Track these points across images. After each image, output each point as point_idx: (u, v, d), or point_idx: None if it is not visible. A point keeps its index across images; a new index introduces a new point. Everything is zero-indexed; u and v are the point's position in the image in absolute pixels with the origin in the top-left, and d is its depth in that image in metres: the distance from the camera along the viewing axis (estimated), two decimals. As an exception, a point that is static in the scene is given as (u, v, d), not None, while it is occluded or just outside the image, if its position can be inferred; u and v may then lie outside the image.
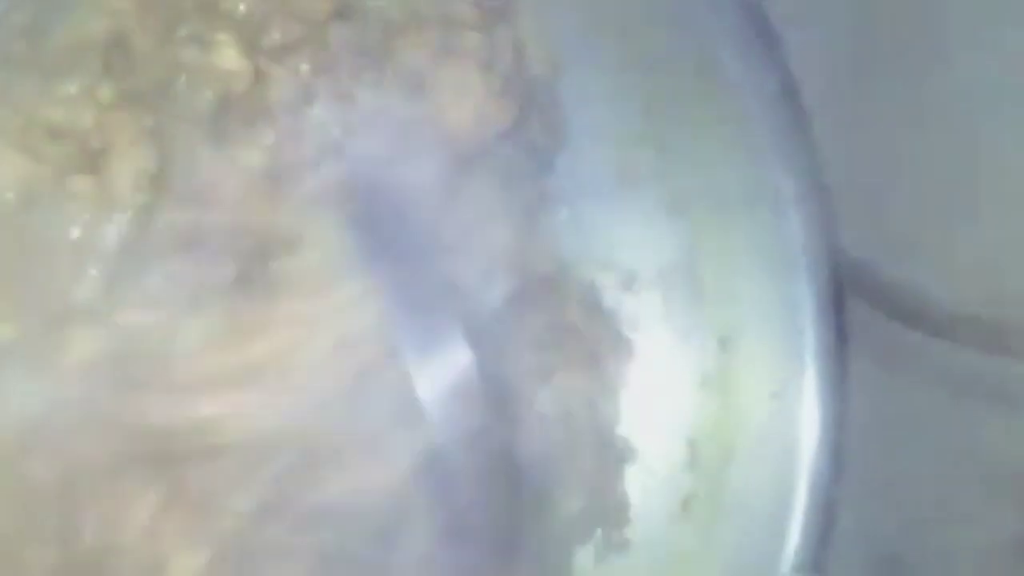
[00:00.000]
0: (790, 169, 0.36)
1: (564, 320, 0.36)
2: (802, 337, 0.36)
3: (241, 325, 0.26)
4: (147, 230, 0.25)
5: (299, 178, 0.28)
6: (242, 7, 0.28)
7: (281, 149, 0.27)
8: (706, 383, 0.37)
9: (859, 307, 0.38)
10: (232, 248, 0.26)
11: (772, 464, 0.36)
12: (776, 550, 0.35)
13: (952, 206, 0.42)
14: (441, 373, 0.30)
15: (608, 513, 0.36)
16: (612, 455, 0.36)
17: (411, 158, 0.29)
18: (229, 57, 0.27)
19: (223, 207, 0.26)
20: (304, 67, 0.29)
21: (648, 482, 0.37)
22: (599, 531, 0.36)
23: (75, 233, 0.26)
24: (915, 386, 0.43)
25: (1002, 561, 0.42)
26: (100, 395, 0.26)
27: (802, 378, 0.36)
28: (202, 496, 0.27)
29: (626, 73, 0.36)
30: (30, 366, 0.26)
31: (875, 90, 0.41)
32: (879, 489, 0.42)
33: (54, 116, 0.26)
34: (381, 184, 0.29)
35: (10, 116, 0.26)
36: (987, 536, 0.43)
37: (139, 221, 0.26)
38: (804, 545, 0.35)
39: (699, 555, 0.36)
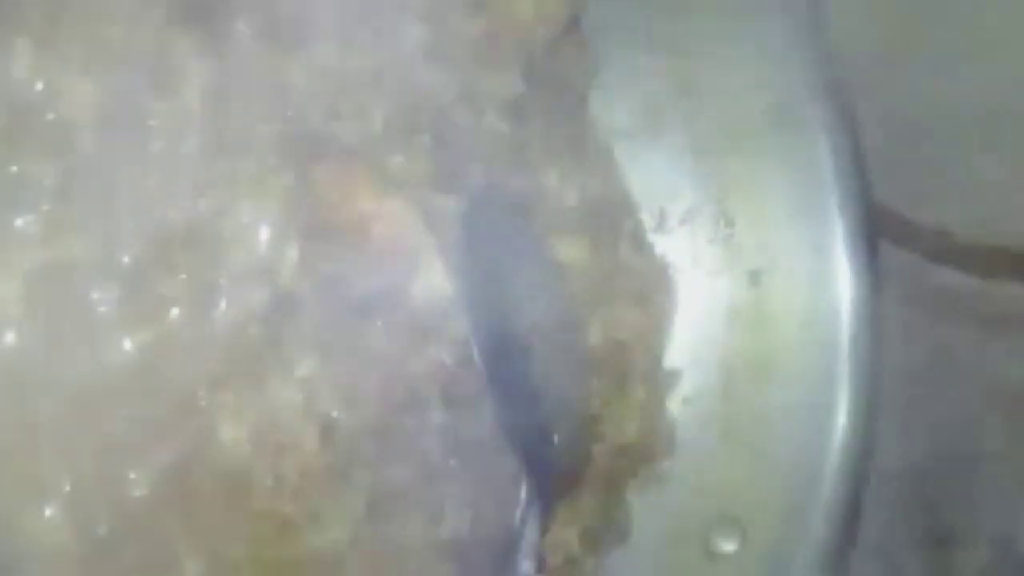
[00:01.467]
0: (818, 99, 0.36)
1: (616, 256, 0.37)
2: (835, 269, 0.36)
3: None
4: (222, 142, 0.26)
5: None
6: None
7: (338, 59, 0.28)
8: (738, 316, 0.38)
9: (888, 250, 0.39)
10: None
11: (808, 392, 0.36)
12: (815, 474, 0.36)
13: (977, 146, 0.43)
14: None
15: (656, 443, 0.37)
16: (660, 386, 0.37)
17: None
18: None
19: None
20: None
21: (687, 413, 0.38)
22: (645, 464, 0.37)
23: (154, 150, 0.27)
24: (939, 323, 0.43)
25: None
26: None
27: (835, 309, 0.36)
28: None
29: (650, 8, 0.36)
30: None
31: (901, 31, 0.42)
32: (909, 426, 0.43)
33: (114, 38, 0.27)
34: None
35: (69, 39, 0.26)
36: (1016, 466, 0.43)
37: (211, 135, 0.26)
38: (843, 468, 0.36)
39: (737, 481, 0.36)
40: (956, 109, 0.43)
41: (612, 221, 0.37)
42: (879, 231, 0.37)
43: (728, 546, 0.35)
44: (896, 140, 0.42)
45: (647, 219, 0.38)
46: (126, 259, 0.27)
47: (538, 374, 0.32)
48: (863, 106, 0.38)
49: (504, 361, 0.31)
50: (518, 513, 0.31)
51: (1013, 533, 0.43)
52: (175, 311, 0.28)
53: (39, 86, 0.28)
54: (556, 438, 0.32)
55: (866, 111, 0.38)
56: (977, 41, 0.41)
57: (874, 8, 0.40)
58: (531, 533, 0.30)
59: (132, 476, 0.27)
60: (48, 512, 0.27)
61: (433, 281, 0.29)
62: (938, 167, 0.42)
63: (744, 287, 0.38)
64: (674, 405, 0.38)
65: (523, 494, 0.31)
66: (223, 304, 0.28)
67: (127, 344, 0.27)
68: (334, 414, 0.29)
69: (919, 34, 0.40)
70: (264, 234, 0.28)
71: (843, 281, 0.36)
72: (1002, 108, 0.42)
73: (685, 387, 0.38)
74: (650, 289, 0.38)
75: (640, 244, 0.38)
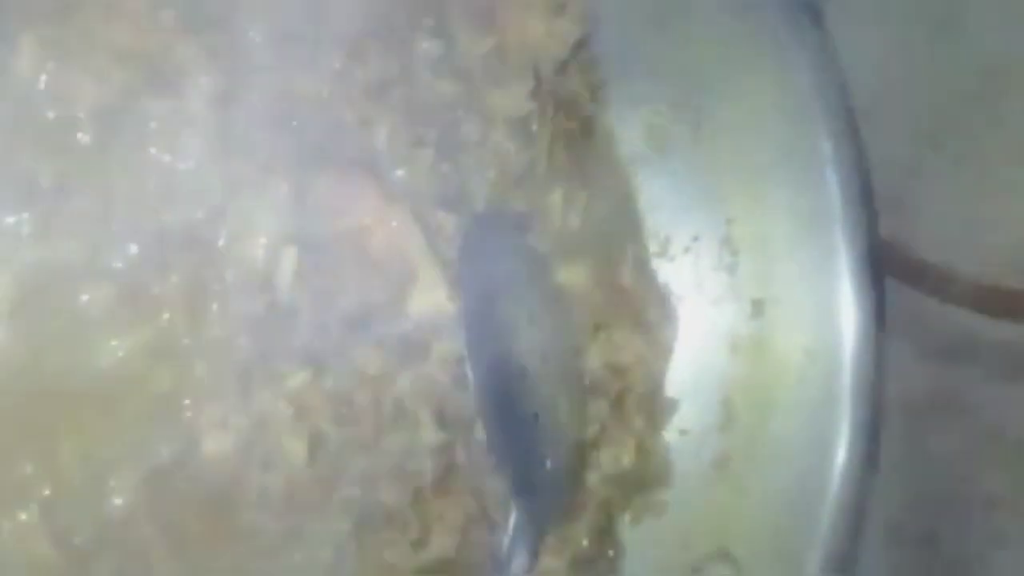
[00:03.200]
0: (829, 131, 0.35)
1: (617, 281, 0.36)
2: (838, 302, 0.36)
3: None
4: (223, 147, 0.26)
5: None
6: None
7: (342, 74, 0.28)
8: (739, 346, 0.37)
9: (893, 287, 0.38)
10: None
11: (807, 423, 0.35)
12: (812, 510, 0.35)
13: (980, 187, 0.42)
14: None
15: (651, 473, 0.36)
16: (658, 415, 0.36)
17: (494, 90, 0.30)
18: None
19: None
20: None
21: (683, 443, 0.37)
22: (640, 494, 0.36)
23: (154, 151, 0.26)
24: (945, 365, 0.43)
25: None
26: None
27: (838, 338, 0.35)
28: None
29: (663, 34, 0.36)
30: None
31: (909, 72, 0.41)
32: (909, 468, 0.42)
33: (119, 37, 0.26)
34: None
35: (76, 38, 0.26)
36: (1016, 516, 0.42)
37: (212, 140, 0.26)
38: (841, 506, 0.35)
39: (732, 515, 0.35)
40: (968, 149, 0.42)
41: (615, 245, 0.37)
42: (885, 267, 0.37)
43: (722, 584, 0.34)
44: (902, 175, 0.41)
45: (651, 245, 0.38)
46: (119, 263, 0.27)
47: (533, 397, 0.31)
48: (874, 142, 0.38)
49: (499, 382, 0.30)
50: (507, 540, 0.30)
51: (1013, 577, 0.42)
52: (166, 316, 0.27)
53: (42, 84, 0.28)
54: (549, 463, 0.31)
55: (878, 147, 0.38)
56: (991, 78, 0.41)
57: (888, 43, 0.40)
58: (519, 560, 0.29)
59: (112, 484, 0.26)
60: (24, 517, 0.26)
61: (431, 297, 0.29)
62: (947, 206, 0.42)
63: (747, 317, 0.37)
64: (671, 435, 0.37)
65: (512, 520, 0.30)
66: (215, 311, 0.27)
67: (116, 348, 0.26)
68: (323, 428, 0.29)
69: (936, 70, 0.40)
70: (261, 242, 0.27)
71: (847, 315, 0.35)
72: (1014, 148, 0.42)
73: (683, 417, 0.37)
74: (651, 316, 0.37)
75: (643, 269, 0.37)
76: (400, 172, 0.30)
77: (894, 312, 0.38)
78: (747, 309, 0.37)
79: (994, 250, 0.42)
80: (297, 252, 0.28)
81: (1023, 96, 0.41)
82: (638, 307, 0.37)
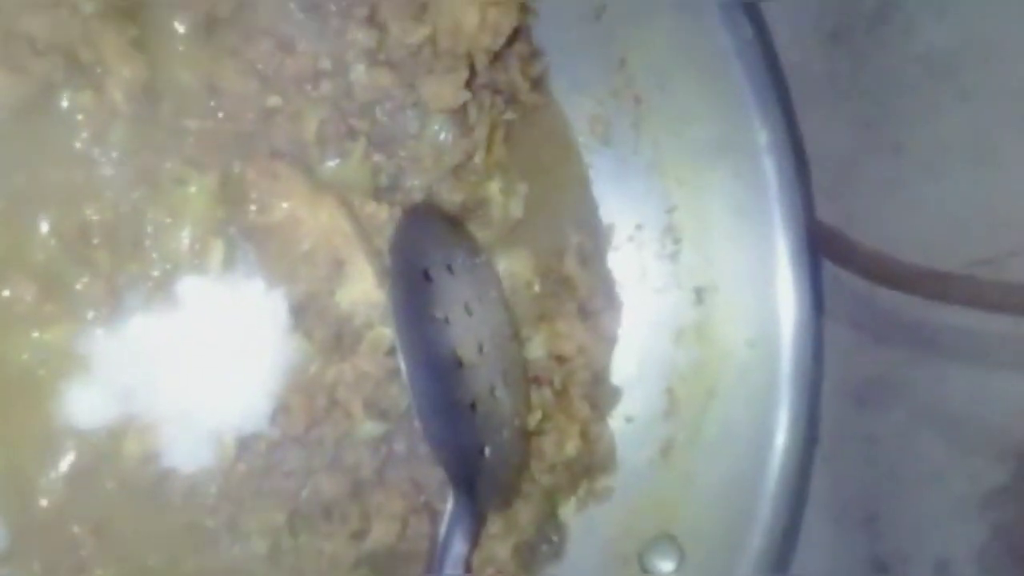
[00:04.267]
0: (766, 120, 0.35)
1: (561, 270, 0.35)
2: (776, 286, 0.36)
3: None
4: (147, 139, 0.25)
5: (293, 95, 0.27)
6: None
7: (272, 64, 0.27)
8: (683, 334, 0.37)
9: (829, 270, 0.38)
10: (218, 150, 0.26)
11: (749, 409, 0.35)
12: (754, 492, 0.35)
13: (915, 170, 0.42)
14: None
15: (596, 460, 0.36)
16: (603, 402, 0.36)
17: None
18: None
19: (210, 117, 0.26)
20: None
21: (628, 431, 0.37)
22: (584, 481, 0.36)
23: (78, 145, 0.25)
24: (882, 347, 0.43)
25: (972, 515, 0.42)
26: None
27: (777, 326, 0.35)
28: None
29: (600, 26, 0.36)
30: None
31: (847, 62, 0.41)
32: (852, 447, 0.42)
33: (36, 29, 0.26)
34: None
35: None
36: (956, 492, 0.42)
37: (136, 131, 0.25)
38: (782, 487, 0.35)
39: (678, 499, 0.35)
40: (899, 131, 0.42)
41: (558, 235, 0.36)
42: (822, 251, 0.37)
43: (666, 566, 0.34)
44: (840, 162, 0.41)
45: (594, 234, 0.38)
46: (41, 256, 0.26)
47: (470, 387, 0.31)
48: (809, 133, 0.38)
49: (433, 373, 0.30)
50: (443, 528, 0.30)
51: (951, 557, 0.42)
52: (90, 313, 0.26)
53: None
54: (488, 452, 0.31)
55: (812, 138, 0.38)
56: (925, 64, 0.41)
57: (821, 32, 0.39)
58: (458, 546, 0.29)
59: (40, 481, 0.25)
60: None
61: (360, 287, 0.28)
62: (881, 189, 0.42)
63: (689, 305, 0.37)
64: (616, 423, 0.37)
65: (449, 508, 0.30)
66: (139, 305, 0.26)
67: (37, 342, 0.25)
68: (253, 423, 0.28)
69: (865, 57, 0.40)
70: (186, 234, 0.27)
71: (785, 301, 0.35)
72: (945, 131, 0.42)
73: (628, 405, 0.37)
74: (595, 305, 0.37)
75: (587, 259, 0.37)
76: (331, 164, 0.29)
77: (832, 296, 0.38)
78: (690, 297, 0.37)
79: (929, 235, 0.42)
80: (223, 245, 0.27)
81: (958, 85, 0.41)
82: (582, 296, 0.36)
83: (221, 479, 0.27)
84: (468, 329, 0.31)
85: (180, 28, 0.27)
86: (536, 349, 0.35)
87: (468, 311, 0.32)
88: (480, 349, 0.32)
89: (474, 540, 0.30)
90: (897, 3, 0.41)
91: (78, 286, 0.26)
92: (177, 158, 0.27)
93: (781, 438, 0.35)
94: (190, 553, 0.27)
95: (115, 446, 0.26)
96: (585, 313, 0.36)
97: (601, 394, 0.36)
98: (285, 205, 0.27)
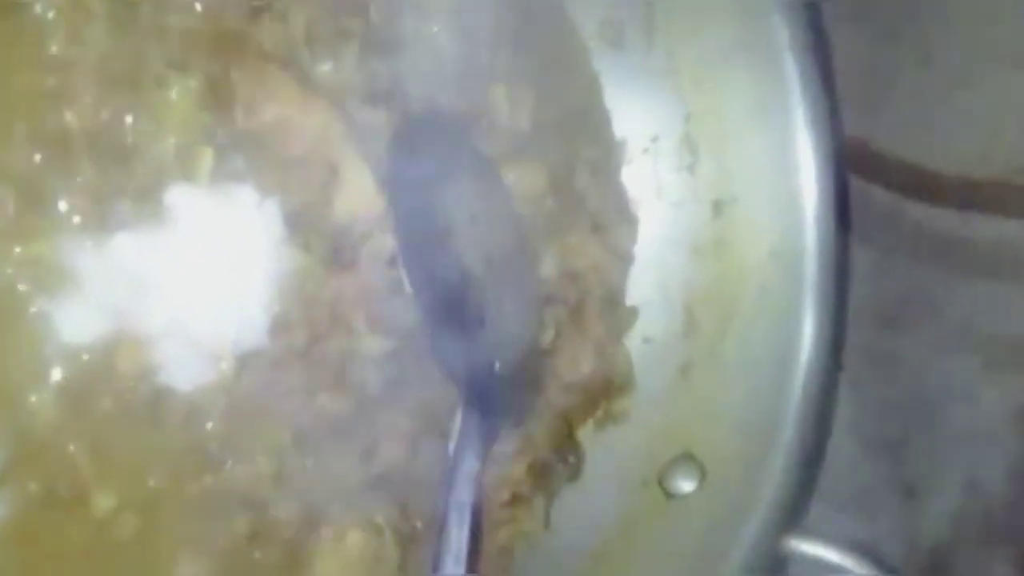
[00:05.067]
0: (789, 23, 0.33)
1: (572, 185, 0.34)
2: (800, 199, 0.34)
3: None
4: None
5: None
6: None
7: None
8: (701, 249, 0.35)
9: (857, 186, 0.36)
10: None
11: (771, 325, 0.34)
12: (777, 411, 0.33)
13: (944, 81, 0.40)
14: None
15: (613, 382, 0.34)
16: (618, 322, 0.34)
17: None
18: None
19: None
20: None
21: (646, 351, 0.35)
22: (601, 402, 0.35)
23: (53, 48, 0.24)
24: (911, 265, 0.41)
25: (1003, 433, 0.41)
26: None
27: (801, 237, 0.34)
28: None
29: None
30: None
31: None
32: (880, 370, 0.41)
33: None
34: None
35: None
36: (985, 410, 0.41)
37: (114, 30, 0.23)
38: (805, 407, 0.33)
39: (698, 420, 0.34)
40: (932, 42, 0.40)
41: (569, 147, 0.35)
42: (849, 165, 0.35)
43: (687, 486, 0.33)
44: (867, 74, 0.39)
45: (607, 145, 0.36)
46: (19, 165, 0.24)
47: (478, 301, 0.29)
48: (841, 40, 0.36)
49: (438, 286, 0.29)
50: (452, 445, 0.29)
51: (982, 477, 0.41)
52: (74, 225, 0.25)
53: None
54: (498, 367, 0.30)
55: (844, 45, 0.36)
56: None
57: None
58: (469, 463, 0.28)
59: (32, 399, 0.24)
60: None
61: (357, 195, 0.26)
62: (910, 100, 0.40)
63: (708, 219, 0.35)
64: (633, 343, 0.35)
65: (458, 424, 0.28)
66: (126, 217, 0.25)
67: (19, 258, 0.24)
68: (251, 340, 0.27)
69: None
70: (171, 142, 0.25)
71: (809, 212, 0.33)
72: (975, 42, 0.40)
73: (645, 325, 0.35)
74: (609, 220, 0.35)
75: (599, 172, 0.35)
76: (324, 67, 0.27)
77: (858, 213, 0.36)
78: (708, 211, 0.35)
79: (961, 146, 0.40)
80: (212, 152, 0.26)
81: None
82: (595, 211, 0.35)
83: (222, 397, 0.26)
84: (474, 240, 0.30)
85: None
86: (548, 266, 0.34)
87: (474, 222, 0.30)
88: (488, 262, 0.30)
89: (485, 457, 0.29)
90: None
91: (60, 197, 0.25)
92: (158, 60, 0.25)
93: (805, 354, 0.33)
94: (193, 475, 0.26)
95: (107, 363, 0.25)
96: (598, 229, 0.35)
97: (617, 313, 0.35)
98: (274, 109, 0.26)
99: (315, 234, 0.27)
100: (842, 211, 0.34)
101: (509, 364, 0.30)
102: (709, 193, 0.35)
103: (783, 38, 0.33)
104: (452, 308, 0.29)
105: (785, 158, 0.34)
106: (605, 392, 0.35)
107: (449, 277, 0.29)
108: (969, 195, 0.39)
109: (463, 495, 0.27)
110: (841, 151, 0.34)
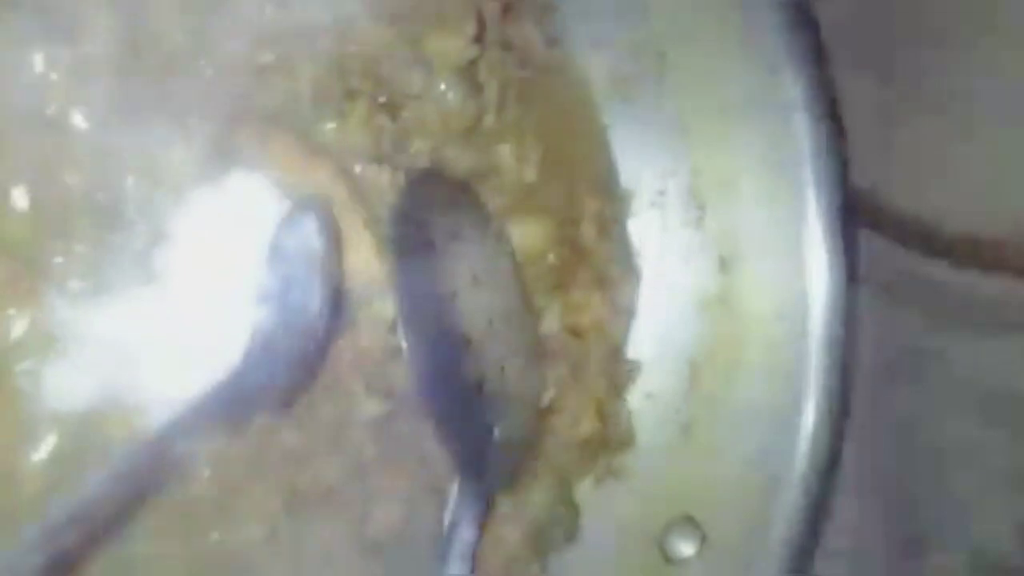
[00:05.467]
0: (799, 76, 0.33)
1: (577, 239, 0.33)
2: (808, 255, 0.33)
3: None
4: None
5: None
6: None
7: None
8: (706, 305, 0.35)
9: (864, 236, 0.36)
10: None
11: (775, 386, 0.33)
12: (780, 474, 0.33)
13: (956, 133, 0.40)
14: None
15: (613, 439, 0.34)
16: (620, 378, 0.34)
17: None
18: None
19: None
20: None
21: (648, 407, 0.35)
22: (600, 460, 0.34)
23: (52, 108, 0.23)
24: (916, 318, 0.41)
25: (1010, 492, 0.40)
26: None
27: (807, 297, 0.33)
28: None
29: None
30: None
31: (885, 18, 0.39)
32: (884, 424, 0.40)
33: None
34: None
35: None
36: (993, 468, 0.41)
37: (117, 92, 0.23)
38: (810, 470, 0.33)
39: (699, 479, 0.34)
40: (941, 96, 0.40)
41: (575, 201, 0.34)
42: (857, 218, 0.34)
43: (687, 550, 0.33)
44: (879, 126, 0.39)
45: (614, 199, 0.35)
46: (15, 228, 0.24)
47: (477, 364, 0.29)
48: (847, 89, 0.36)
49: (438, 349, 0.28)
50: (449, 513, 0.28)
51: (988, 536, 0.40)
52: (70, 288, 0.24)
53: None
54: (497, 433, 0.29)
55: (850, 94, 0.36)
56: (967, 24, 0.38)
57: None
58: (465, 533, 0.27)
59: (22, 466, 0.24)
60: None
61: (359, 260, 0.26)
62: (919, 151, 0.40)
63: (713, 274, 0.35)
64: (635, 399, 0.35)
65: (456, 491, 0.28)
66: (122, 280, 0.24)
67: (13, 322, 0.24)
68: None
69: (907, 16, 0.37)
70: (172, 203, 0.25)
71: (817, 270, 0.33)
72: (986, 96, 0.39)
73: (647, 380, 0.35)
74: (613, 275, 0.35)
75: (605, 226, 0.35)
76: (330, 125, 0.27)
77: (866, 262, 0.35)
78: (714, 267, 0.35)
79: (970, 196, 0.40)
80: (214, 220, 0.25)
81: (1001, 37, 0.39)
82: (600, 266, 0.34)
83: (213, 462, 0.26)
84: (476, 303, 0.29)
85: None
86: (550, 322, 0.33)
87: (476, 283, 0.30)
88: (489, 324, 0.30)
89: (481, 523, 0.29)
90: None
91: (57, 260, 0.24)
92: (163, 119, 0.25)
93: (810, 416, 0.33)
94: (182, 540, 0.26)
95: (99, 429, 0.25)
96: (602, 284, 0.34)
97: (619, 369, 0.34)
98: (277, 170, 0.25)
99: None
100: (850, 270, 0.34)
101: (508, 429, 0.30)
102: (716, 249, 0.34)
103: (794, 95, 0.33)
104: (451, 373, 0.28)
105: (794, 216, 0.33)
106: (605, 448, 0.34)
107: (449, 341, 0.28)
108: (976, 252, 0.39)
109: (459, 569, 0.26)
110: (851, 213, 0.33)
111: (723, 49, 0.33)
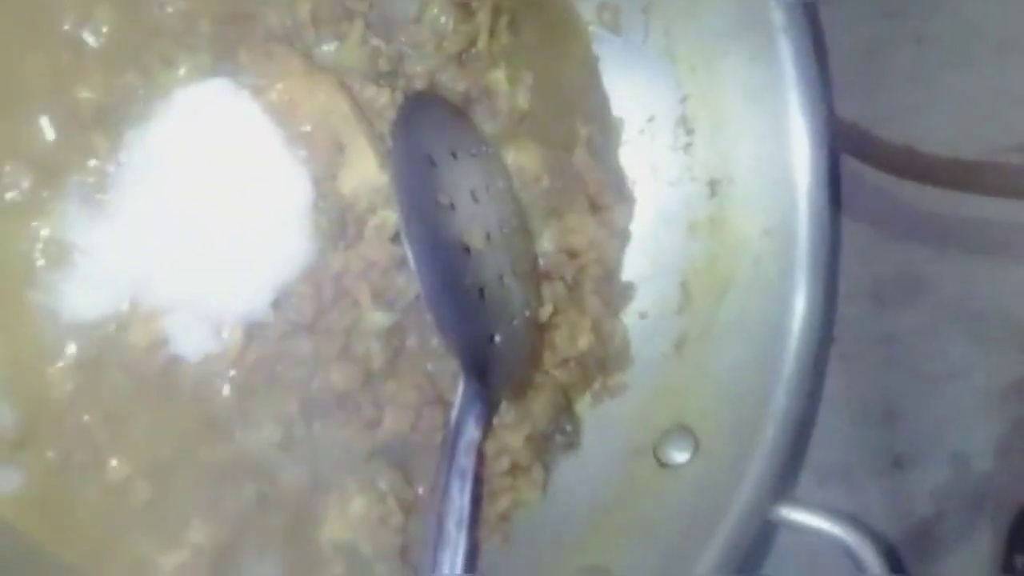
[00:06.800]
0: (784, 6, 0.33)
1: (570, 164, 0.34)
2: (793, 179, 0.34)
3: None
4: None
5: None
6: None
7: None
8: (696, 227, 0.36)
9: (849, 165, 0.37)
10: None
11: (763, 300, 0.34)
12: (768, 382, 0.34)
13: (939, 60, 0.41)
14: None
15: (609, 357, 0.35)
16: (615, 299, 0.35)
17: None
18: None
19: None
20: None
21: (641, 326, 0.36)
22: (598, 376, 0.35)
23: (65, 26, 0.24)
24: (903, 243, 0.42)
25: (992, 409, 0.41)
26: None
27: (794, 214, 0.34)
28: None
29: None
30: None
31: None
32: (871, 346, 0.41)
33: None
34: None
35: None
36: (976, 387, 0.42)
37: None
38: (796, 379, 0.34)
39: (691, 391, 0.35)
40: (922, 20, 0.40)
41: (567, 127, 0.35)
42: (841, 146, 0.35)
43: (680, 456, 0.34)
44: (860, 54, 0.40)
45: (605, 125, 0.36)
46: (35, 140, 0.25)
47: (478, 274, 0.30)
48: (830, 18, 0.36)
49: (440, 259, 0.29)
50: (454, 414, 0.29)
51: (970, 451, 0.41)
52: (89, 199, 0.25)
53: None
54: (498, 339, 0.30)
55: (830, 24, 0.36)
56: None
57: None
58: (470, 432, 0.28)
59: (48, 371, 0.25)
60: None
61: (361, 170, 0.27)
62: (903, 81, 0.40)
63: (703, 198, 0.36)
64: (630, 319, 0.36)
65: (459, 394, 0.29)
66: (138, 190, 0.25)
67: (35, 232, 0.25)
68: (260, 311, 0.27)
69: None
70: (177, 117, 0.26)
71: (802, 191, 0.34)
72: (969, 18, 0.40)
73: (641, 301, 0.36)
74: (606, 199, 0.35)
75: (597, 152, 0.35)
76: (327, 47, 0.28)
77: (851, 192, 0.36)
78: (704, 190, 0.36)
79: (954, 126, 0.40)
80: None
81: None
82: (592, 190, 0.35)
83: (230, 368, 0.27)
84: (475, 216, 0.30)
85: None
86: (546, 244, 0.34)
87: (474, 198, 0.31)
88: (488, 237, 0.31)
89: (486, 426, 0.30)
90: None
91: (74, 171, 0.25)
92: (167, 39, 0.26)
93: (796, 327, 0.34)
94: (203, 443, 0.27)
95: (119, 335, 0.26)
96: (596, 207, 0.35)
97: (613, 290, 0.36)
98: (280, 86, 0.26)
99: (321, 209, 0.28)
100: (833, 190, 0.35)
101: (509, 336, 0.31)
102: (704, 173, 0.35)
103: (777, 21, 0.33)
104: (453, 280, 0.29)
105: (778, 139, 0.34)
106: (602, 366, 0.35)
107: (450, 250, 0.29)
108: (959, 174, 0.39)
109: (464, 462, 0.27)
110: (832, 133, 0.34)
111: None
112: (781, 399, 0.33)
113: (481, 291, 0.30)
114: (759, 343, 0.34)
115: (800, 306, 0.34)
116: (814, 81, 0.34)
